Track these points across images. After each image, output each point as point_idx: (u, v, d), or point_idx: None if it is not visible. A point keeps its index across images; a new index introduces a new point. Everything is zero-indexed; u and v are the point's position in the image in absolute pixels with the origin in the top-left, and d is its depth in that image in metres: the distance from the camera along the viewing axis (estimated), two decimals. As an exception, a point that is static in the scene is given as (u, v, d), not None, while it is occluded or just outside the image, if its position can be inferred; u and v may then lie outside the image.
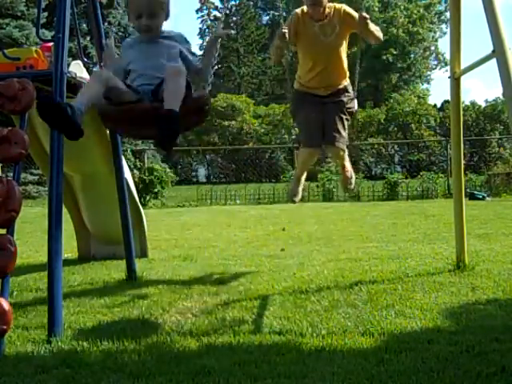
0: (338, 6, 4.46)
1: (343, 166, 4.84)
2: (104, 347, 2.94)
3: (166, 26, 3.20)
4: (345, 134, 4.54)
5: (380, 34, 4.49)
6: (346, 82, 4.66)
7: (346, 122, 4.56)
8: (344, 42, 4.51)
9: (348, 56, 4.64)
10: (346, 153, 4.70)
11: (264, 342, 2.96)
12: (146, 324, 3.42)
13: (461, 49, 4.35)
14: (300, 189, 4.90)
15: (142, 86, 3.01)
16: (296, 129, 5.18)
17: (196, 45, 57.25)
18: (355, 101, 4.71)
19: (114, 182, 4.79)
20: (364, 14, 4.25)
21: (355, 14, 4.37)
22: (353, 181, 4.94)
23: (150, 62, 3.06)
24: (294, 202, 4.92)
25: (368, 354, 2.70)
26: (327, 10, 4.42)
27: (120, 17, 25.06)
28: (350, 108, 4.63)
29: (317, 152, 4.69)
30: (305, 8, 4.47)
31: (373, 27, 4.36)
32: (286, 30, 4.30)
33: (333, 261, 5.36)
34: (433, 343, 2.83)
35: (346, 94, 4.62)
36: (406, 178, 16.81)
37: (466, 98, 39.95)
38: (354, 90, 4.75)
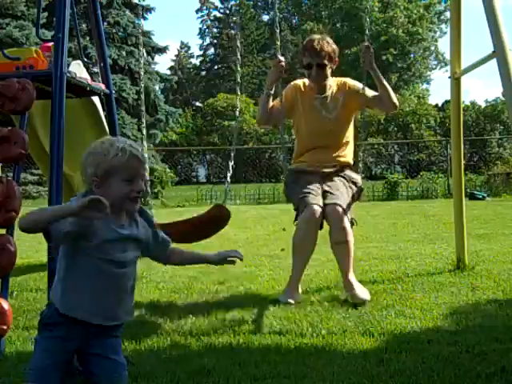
0: (341, 79, 4.01)
1: (342, 257, 3.76)
2: (104, 347, 2.93)
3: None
4: (348, 199, 3.78)
5: (393, 98, 3.87)
6: (351, 161, 4.06)
7: (350, 192, 3.85)
8: (350, 119, 4.00)
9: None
10: (349, 234, 3.69)
11: (264, 342, 2.96)
12: (146, 324, 3.42)
13: (461, 49, 4.35)
14: (298, 286, 3.86)
15: None
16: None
17: (196, 45, 57.34)
18: (360, 177, 4.05)
19: (113, 182, 4.78)
20: (367, 43, 3.81)
21: (360, 85, 3.91)
22: (357, 290, 3.68)
23: None
24: (289, 302, 3.68)
25: (368, 354, 2.70)
26: (329, 84, 3.96)
27: (120, 17, 25.08)
28: (355, 181, 3.96)
29: (319, 218, 3.69)
30: (306, 81, 4.00)
31: (383, 79, 3.83)
32: (282, 59, 3.83)
33: (333, 261, 5.32)
34: (433, 343, 2.82)
35: (350, 168, 4.03)
36: (406, 177, 16.82)
37: (465, 99, 39.97)
38: (358, 166, 4.19)
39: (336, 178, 3.87)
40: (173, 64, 49.09)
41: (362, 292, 3.67)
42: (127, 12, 25.99)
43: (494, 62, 3.24)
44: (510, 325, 3.08)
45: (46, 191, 17.56)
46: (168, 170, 16.22)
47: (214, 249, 5.60)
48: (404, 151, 29.74)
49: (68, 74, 3.56)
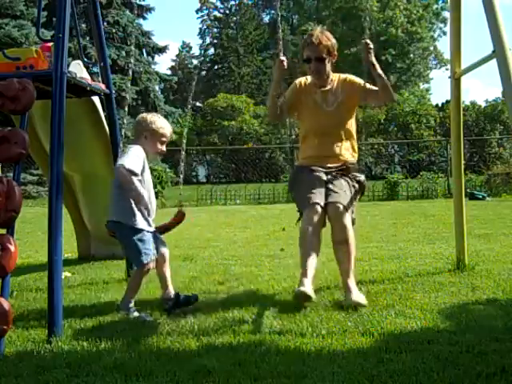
0: (342, 75, 4.07)
1: (343, 266, 3.74)
2: (104, 347, 2.93)
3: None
4: (350, 197, 3.80)
5: (391, 91, 3.91)
6: (355, 159, 4.07)
7: (353, 189, 3.88)
8: (351, 114, 4.06)
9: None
10: (350, 233, 3.69)
11: (264, 342, 2.95)
12: (146, 324, 3.42)
13: (461, 49, 4.35)
14: (310, 281, 3.61)
15: None
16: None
17: (196, 45, 57.30)
18: (363, 176, 4.08)
19: (113, 182, 4.78)
20: (367, 40, 3.86)
21: (360, 81, 4.01)
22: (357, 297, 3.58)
23: None
24: (303, 298, 3.54)
25: (368, 354, 2.70)
26: (331, 78, 4.04)
27: (119, 17, 25.08)
28: (359, 179, 3.98)
29: (322, 215, 3.71)
30: (308, 78, 4.10)
31: (381, 73, 3.86)
32: (284, 58, 3.92)
33: (333, 261, 5.31)
34: (433, 343, 2.82)
35: (354, 167, 4.04)
36: (406, 177, 16.82)
37: (465, 98, 39.97)
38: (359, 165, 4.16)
39: (339, 176, 3.91)
40: (173, 64, 49.09)
41: (359, 297, 3.60)
42: (127, 12, 26.00)
43: (494, 62, 3.25)
44: (510, 325, 3.07)
45: (46, 191, 17.57)
46: (168, 169, 16.20)
47: (216, 247, 5.55)
48: (404, 151, 29.76)
49: (68, 74, 3.56)
